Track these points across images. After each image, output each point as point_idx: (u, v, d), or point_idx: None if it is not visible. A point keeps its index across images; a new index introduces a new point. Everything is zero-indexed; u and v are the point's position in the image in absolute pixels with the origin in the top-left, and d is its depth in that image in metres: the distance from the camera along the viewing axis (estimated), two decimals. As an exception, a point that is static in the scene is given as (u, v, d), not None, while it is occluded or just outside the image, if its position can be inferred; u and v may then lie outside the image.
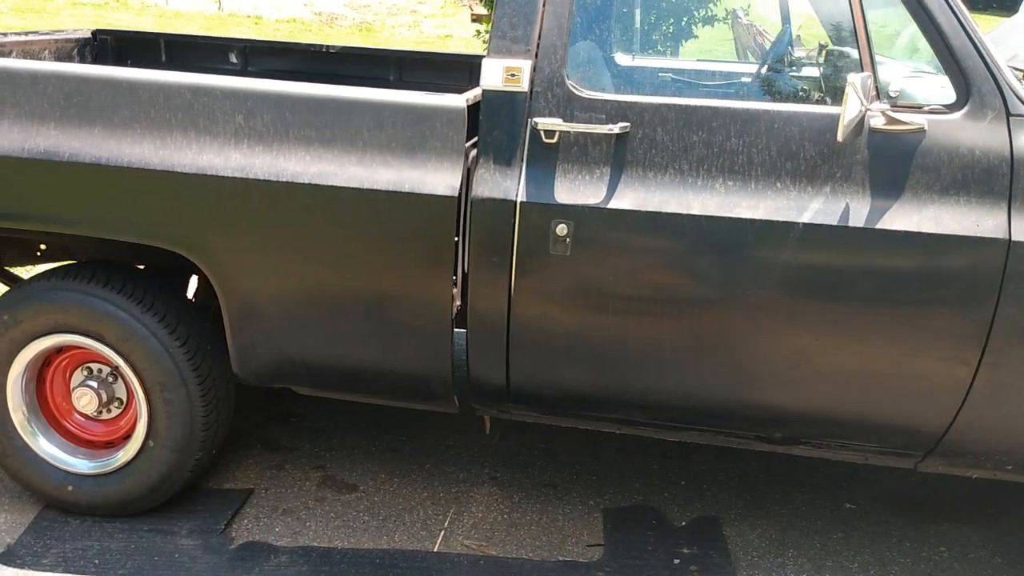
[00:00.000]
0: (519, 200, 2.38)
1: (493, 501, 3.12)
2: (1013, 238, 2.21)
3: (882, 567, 2.87)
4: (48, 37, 4.10)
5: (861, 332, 2.34)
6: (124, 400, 2.93)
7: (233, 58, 4.53)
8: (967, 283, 2.26)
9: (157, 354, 2.72)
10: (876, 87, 2.28)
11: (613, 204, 2.35)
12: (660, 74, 2.53)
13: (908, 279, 2.29)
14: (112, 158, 2.51)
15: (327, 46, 4.42)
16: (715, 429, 2.60)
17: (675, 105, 2.34)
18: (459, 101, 2.42)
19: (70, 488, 2.90)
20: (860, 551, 2.94)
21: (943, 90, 2.33)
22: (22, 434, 2.89)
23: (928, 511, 3.20)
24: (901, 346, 2.33)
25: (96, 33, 4.44)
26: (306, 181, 2.45)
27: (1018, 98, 2.25)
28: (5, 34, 3.83)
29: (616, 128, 2.33)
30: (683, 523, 3.06)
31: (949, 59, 2.26)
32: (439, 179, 2.41)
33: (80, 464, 2.92)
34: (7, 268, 3.39)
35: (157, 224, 2.56)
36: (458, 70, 4.31)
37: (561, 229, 2.37)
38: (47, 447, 2.92)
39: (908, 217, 2.26)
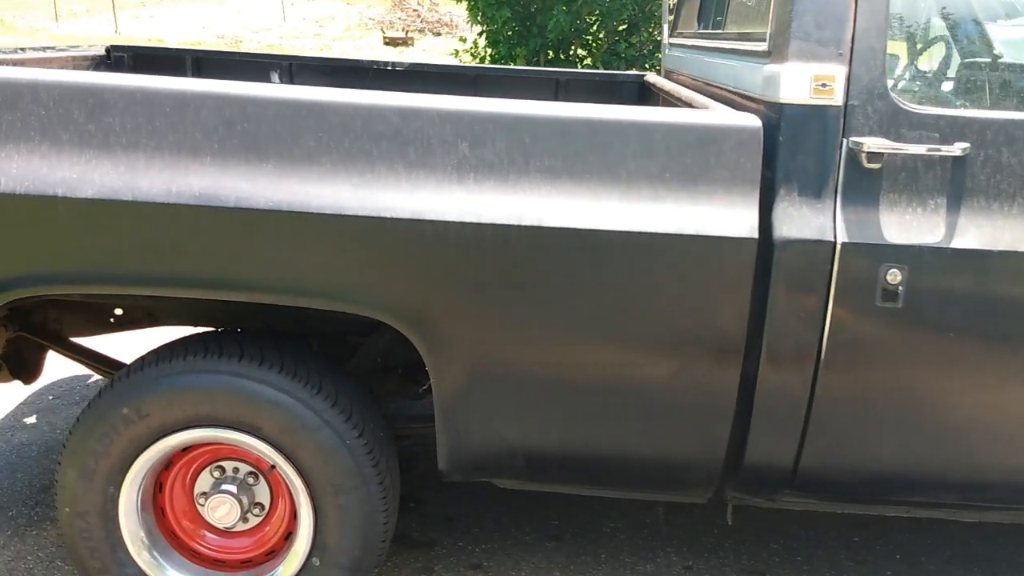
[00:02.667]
0: (838, 241, 1.90)
1: (703, 598, 2.62)
2: None
3: None
4: (66, 54, 3.45)
5: None
6: (266, 506, 2.31)
7: (276, 77, 3.94)
8: None
9: (331, 449, 2.12)
10: None
11: (956, 243, 1.90)
12: (1003, 82, 2.10)
13: None
14: (294, 202, 1.92)
15: (392, 63, 3.88)
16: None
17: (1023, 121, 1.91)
18: (752, 120, 1.93)
19: (204, 625, 2.26)
20: None
21: None
22: (138, 561, 2.24)
23: None
24: None
25: (110, 50, 3.81)
26: (553, 225, 1.92)
27: None
28: (23, 49, 3.18)
29: (957, 149, 1.88)
30: (931, 611, 2.61)
31: None
32: (730, 217, 1.92)
33: (217, 593, 2.28)
34: (71, 339, 2.72)
35: (354, 285, 1.97)
36: (541, 88, 3.84)
37: (892, 276, 1.90)
38: (172, 574, 2.27)
39: None
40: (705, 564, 2.78)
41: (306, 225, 1.93)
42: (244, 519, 2.28)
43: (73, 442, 2.15)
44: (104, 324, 2.75)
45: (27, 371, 2.60)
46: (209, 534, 2.34)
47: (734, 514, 2.50)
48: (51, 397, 3.84)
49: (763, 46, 2.07)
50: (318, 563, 2.21)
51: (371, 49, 19.94)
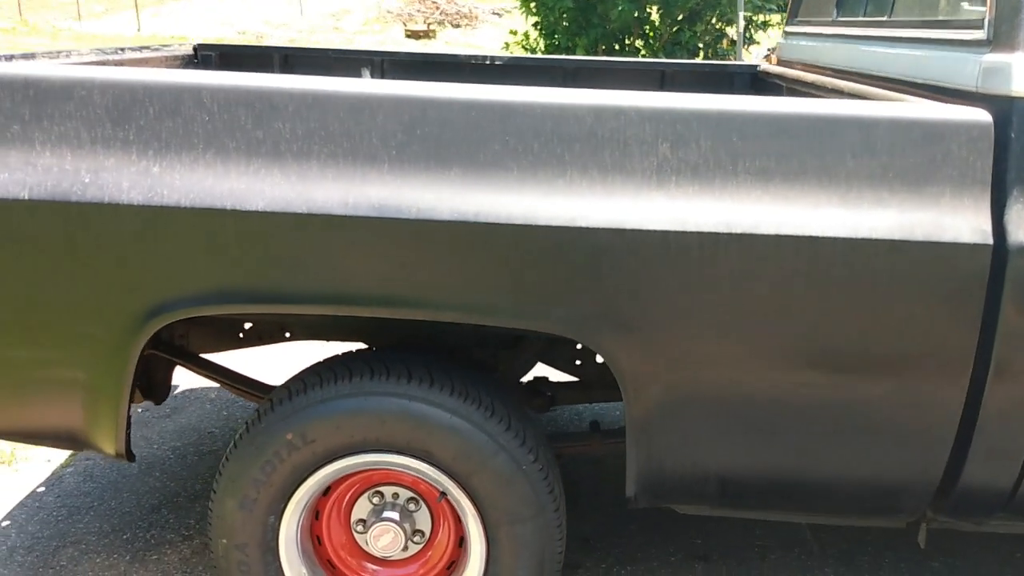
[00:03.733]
0: (1082, 246, 1.73)
1: (876, 623, 2.45)
2: None
3: None
4: (159, 54, 3.33)
5: None
6: (427, 533, 2.17)
7: (367, 74, 3.79)
8: None
9: (508, 475, 1.98)
10: None
11: None
12: None
13: None
14: (480, 212, 1.77)
15: (491, 57, 3.73)
16: None
17: None
18: (983, 115, 1.76)
19: (365, 664, 2.12)
20: None
21: None
22: (298, 596, 2.10)
23: None
24: None
25: (197, 49, 3.68)
26: (768, 232, 1.76)
27: None
28: (122, 49, 3.06)
29: None
30: (1123, 635, 2.44)
31: None
32: (960, 222, 1.75)
33: (380, 627, 2.14)
34: (201, 355, 2.59)
35: (545, 302, 1.82)
36: (645, 80, 3.68)
37: None
38: (332, 609, 2.13)
39: None
40: (867, 584, 2.63)
41: (494, 237, 1.78)
42: (404, 547, 2.13)
43: (231, 470, 2.01)
44: (232, 339, 2.62)
45: (157, 390, 2.47)
46: (368, 563, 2.19)
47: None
48: (140, 410, 3.72)
49: (979, 34, 1.90)
50: (490, 596, 2.06)
51: (394, 43, 19.79)
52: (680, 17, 7.47)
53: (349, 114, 1.79)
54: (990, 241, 1.74)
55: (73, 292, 1.84)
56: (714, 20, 7.45)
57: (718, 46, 7.58)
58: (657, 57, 7.33)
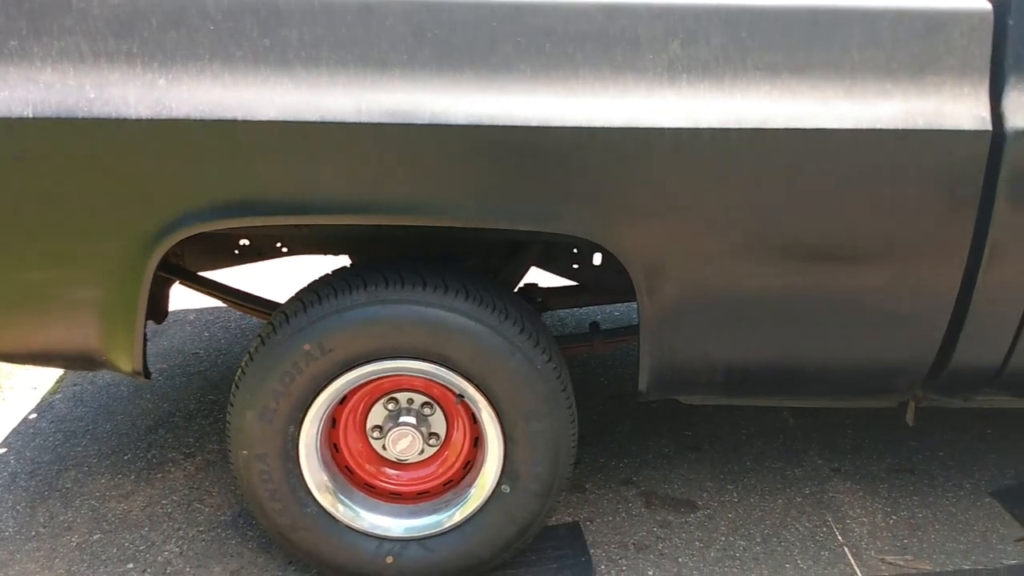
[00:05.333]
0: (1076, 129, 1.80)
1: (863, 500, 2.59)
2: None
3: None
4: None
5: None
6: (441, 436, 2.22)
7: None
8: None
9: (525, 375, 2.03)
10: None
11: None
12: None
13: None
14: (497, 115, 1.77)
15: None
16: None
17: None
18: (982, 3, 1.80)
19: (390, 560, 2.18)
20: None
21: None
22: (320, 500, 2.15)
23: None
24: None
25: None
26: (779, 126, 1.79)
27: None
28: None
29: None
30: (1089, 497, 2.62)
31: None
32: (961, 110, 1.81)
33: (403, 526, 2.20)
34: (200, 274, 2.58)
35: (562, 203, 1.84)
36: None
37: None
38: (354, 511, 2.18)
39: None
40: (851, 465, 2.77)
41: (509, 140, 1.79)
42: (420, 451, 2.19)
43: (249, 383, 2.03)
44: (227, 256, 2.61)
45: (157, 310, 2.45)
46: (385, 468, 2.25)
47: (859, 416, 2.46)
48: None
49: (975, -78, 1.93)
50: (508, 490, 2.13)
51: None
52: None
53: (357, 19, 1.77)
54: (989, 128, 1.80)
55: (85, 211, 1.82)
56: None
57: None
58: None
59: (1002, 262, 1.90)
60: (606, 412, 3.05)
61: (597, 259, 2.58)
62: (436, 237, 2.29)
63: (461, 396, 2.10)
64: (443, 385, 2.11)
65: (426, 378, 2.10)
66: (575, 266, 2.60)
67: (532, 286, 2.76)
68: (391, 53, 1.78)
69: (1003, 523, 2.50)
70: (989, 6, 1.80)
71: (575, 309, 3.68)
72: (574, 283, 2.66)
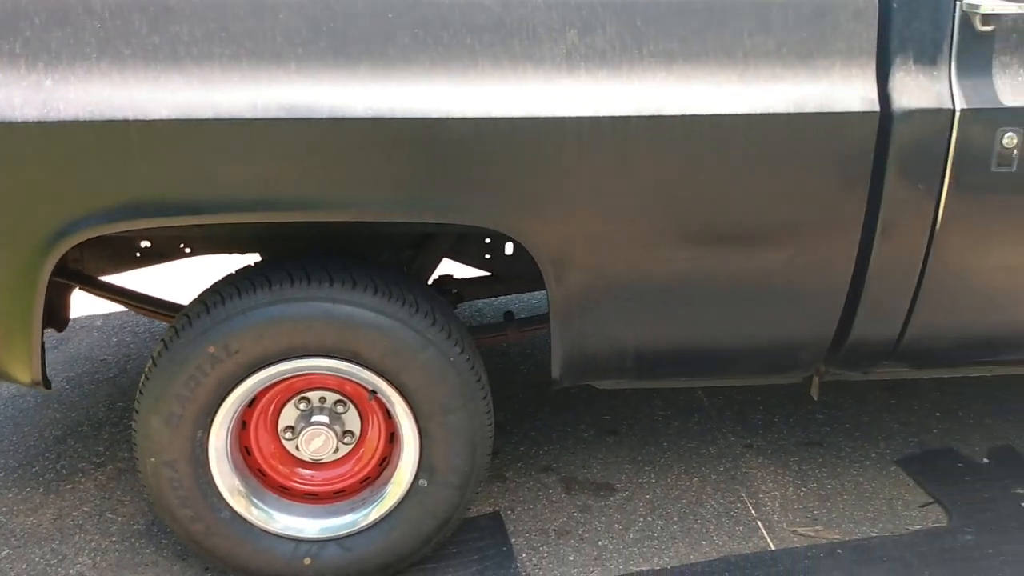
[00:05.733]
0: (957, 108, 1.87)
1: (775, 474, 2.66)
2: None
3: None
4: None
5: None
6: (356, 433, 2.21)
7: None
8: None
9: (438, 368, 2.02)
10: None
11: (1071, 101, 1.90)
12: None
13: None
14: (393, 108, 1.76)
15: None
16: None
17: None
18: (867, -13, 1.86)
19: (307, 561, 2.16)
20: None
21: None
22: (232, 504, 2.11)
23: None
24: None
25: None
26: (674, 112, 1.82)
27: None
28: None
29: (1072, 6, 1.87)
30: (986, 460, 2.73)
31: None
32: (850, 92, 1.86)
33: (319, 526, 2.18)
34: (99, 278, 2.50)
35: (465, 194, 1.84)
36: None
37: (1008, 139, 1.89)
38: (268, 514, 2.15)
39: None
40: (764, 440, 2.84)
41: (410, 132, 1.78)
42: (335, 449, 2.17)
43: (153, 388, 1.98)
44: (129, 259, 2.54)
45: (57, 318, 2.38)
46: (299, 468, 2.22)
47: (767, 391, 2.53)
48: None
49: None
50: (426, 484, 2.13)
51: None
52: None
53: (250, 13, 1.74)
54: (877, 109, 1.86)
55: (-29, 217, 1.75)
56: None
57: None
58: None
59: (894, 238, 1.97)
60: (526, 400, 3.07)
61: (509, 249, 2.58)
62: (346, 231, 2.27)
63: (374, 392, 2.08)
64: (356, 382, 2.09)
65: (338, 376, 2.08)
66: (487, 256, 2.60)
67: (447, 277, 2.76)
68: (286, 47, 1.75)
69: (908, 490, 2.59)
70: (874, -10, 1.85)
71: (497, 298, 3.70)
72: (487, 273, 2.67)
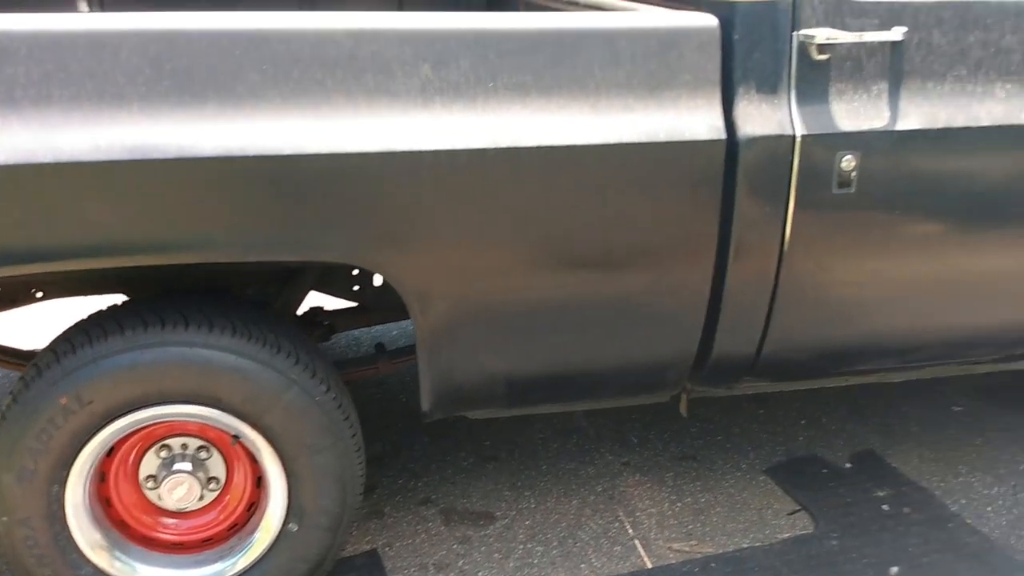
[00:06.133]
0: (798, 134, 1.95)
1: (651, 491, 2.71)
2: None
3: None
4: None
5: None
6: (221, 479, 2.14)
7: (84, 7, 3.49)
8: None
9: (302, 408, 1.98)
10: None
11: (901, 125, 2.00)
12: None
13: None
14: (244, 146, 1.72)
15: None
16: (964, 359, 2.39)
17: (950, 2, 2.02)
18: (710, 20, 1.92)
19: (175, 615, 2.08)
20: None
21: None
22: (94, 560, 2.02)
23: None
24: None
25: None
26: (530, 144, 1.84)
27: None
28: None
29: (898, 34, 1.97)
30: (848, 465, 2.84)
31: None
32: (697, 120, 1.92)
33: (187, 579, 2.10)
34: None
35: (324, 231, 1.81)
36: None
37: (847, 162, 1.98)
38: (132, 567, 2.06)
39: None
40: (639, 457, 2.89)
41: (262, 170, 1.74)
42: (200, 497, 2.10)
43: (3, 443, 1.88)
44: (26, 296, 2.41)
45: None
46: (164, 518, 2.14)
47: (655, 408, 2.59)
48: None
49: (700, -56, 2.05)
50: (296, 528, 2.08)
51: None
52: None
53: (90, 53, 1.67)
54: (723, 136, 1.92)
55: None
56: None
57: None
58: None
59: (747, 258, 2.04)
60: (404, 430, 3.04)
61: (378, 280, 2.56)
62: (207, 269, 2.21)
63: (237, 437, 2.02)
64: (218, 427, 2.03)
65: (199, 422, 2.02)
66: (356, 288, 2.58)
67: (317, 309, 2.72)
68: (128, 87, 1.69)
69: (777, 499, 2.68)
70: (716, 22, 1.92)
71: (376, 327, 3.65)
72: (356, 304, 2.64)
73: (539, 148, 1.85)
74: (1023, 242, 2.17)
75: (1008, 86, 2.06)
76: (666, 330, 2.09)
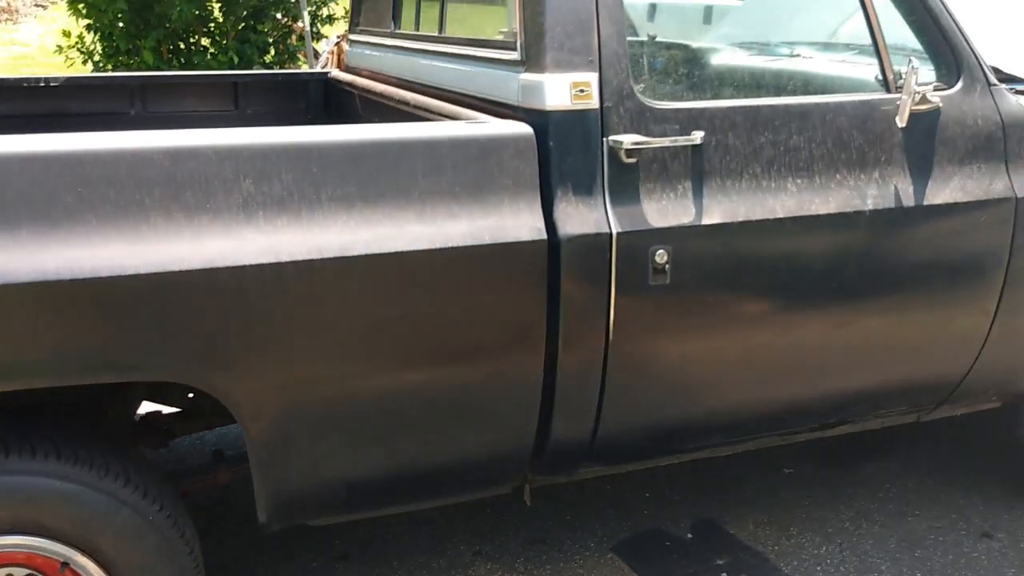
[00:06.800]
0: (614, 232, 2.07)
1: (502, 578, 2.74)
2: (1018, 195, 2.45)
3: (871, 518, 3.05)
4: None
5: (916, 304, 2.44)
6: (52, 609, 2.03)
7: None
8: (987, 243, 2.45)
9: (135, 530, 1.93)
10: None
11: (706, 220, 2.15)
12: (722, 75, 2.37)
13: (946, 247, 2.42)
14: (59, 270, 1.69)
15: (46, 79, 3.47)
16: (785, 431, 2.55)
17: (741, 107, 2.20)
18: (525, 128, 2.03)
19: None
20: (835, 505, 3.09)
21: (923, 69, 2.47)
22: None
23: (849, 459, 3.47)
24: (942, 309, 2.48)
25: None
26: (358, 252, 1.89)
27: (989, 69, 2.48)
28: None
29: (697, 138, 2.13)
30: (690, 535, 2.95)
31: (940, 39, 2.42)
32: (520, 223, 2.01)
33: None
34: None
35: (148, 351, 1.79)
36: (215, 94, 3.66)
37: (660, 256, 2.11)
38: None
39: (943, 190, 2.38)
40: (491, 545, 2.91)
41: (80, 293, 1.71)
42: (28, 631, 1.99)
43: None
44: None
45: None
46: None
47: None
48: None
49: (514, 55, 2.17)
50: (133, 656, 2.00)
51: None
52: (245, 14, 7.39)
53: None
54: (544, 237, 2.02)
55: None
56: (280, 16, 7.47)
57: (288, 42, 7.62)
58: (227, 55, 7.18)
59: (576, 349, 2.12)
60: (251, 534, 2.96)
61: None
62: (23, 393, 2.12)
63: (66, 564, 1.94)
64: (45, 555, 1.93)
65: (26, 551, 1.92)
66: (190, 395, 2.52)
67: (155, 414, 2.64)
68: (-70, 214, 1.64)
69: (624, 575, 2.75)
70: (531, 131, 2.03)
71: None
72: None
73: (365, 257, 1.89)
74: (824, 320, 2.35)
75: (799, 181, 2.25)
76: (503, 424, 2.14)
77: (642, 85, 2.16)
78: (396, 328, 1.95)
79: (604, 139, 2.08)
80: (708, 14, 2.73)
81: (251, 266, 1.81)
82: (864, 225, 2.30)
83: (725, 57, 2.60)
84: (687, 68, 2.42)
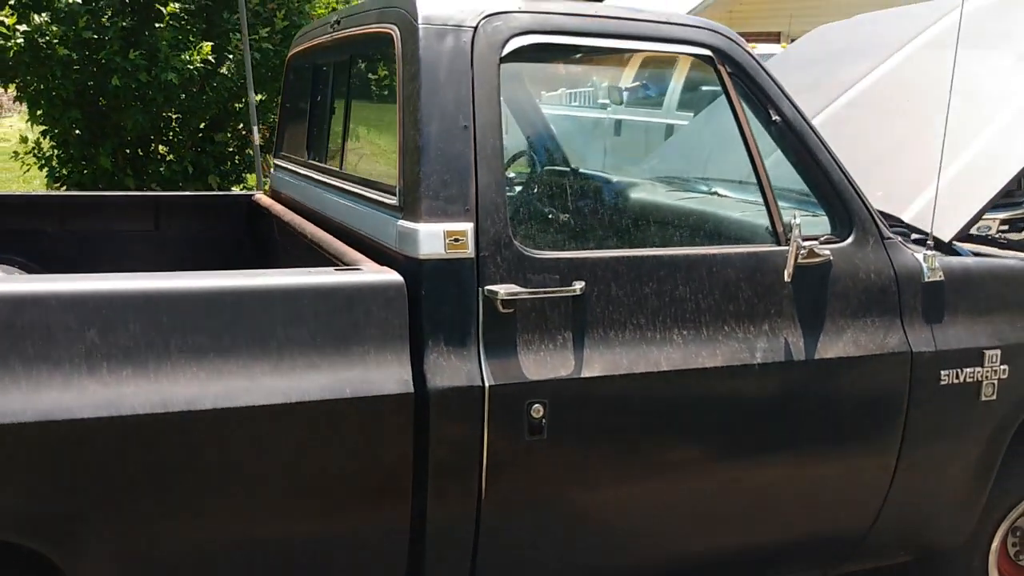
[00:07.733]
0: (487, 384, 2.00)
1: None
2: (914, 350, 2.42)
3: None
4: None
5: (813, 459, 2.37)
6: None
7: None
8: (883, 397, 2.41)
9: None
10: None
11: (586, 373, 2.09)
12: (607, 225, 2.35)
13: (840, 402, 2.37)
14: None
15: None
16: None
17: (625, 257, 2.17)
18: (395, 276, 1.98)
19: None
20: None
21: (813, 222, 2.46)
22: None
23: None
24: (840, 464, 2.41)
25: None
26: (207, 407, 1.80)
27: (883, 223, 2.48)
28: None
29: (577, 288, 2.09)
30: None
31: (832, 193, 2.41)
32: (386, 375, 1.94)
33: None
34: None
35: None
36: (136, 214, 3.62)
37: (536, 411, 2.04)
38: None
39: (836, 344, 2.34)
40: None
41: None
42: None
43: None
44: None
45: None
46: None
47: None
48: None
49: (393, 200, 2.14)
50: None
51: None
52: (202, 125, 7.44)
53: None
54: (411, 390, 1.95)
55: None
56: (239, 126, 7.53)
57: (246, 152, 7.66)
58: (184, 163, 7.19)
59: (446, 504, 2.03)
60: None
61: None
62: None
63: None
64: None
65: None
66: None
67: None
68: None
69: None
70: (401, 279, 1.98)
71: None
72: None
73: (216, 411, 1.81)
74: (713, 476, 2.28)
75: (685, 332, 2.20)
76: (369, 579, 2.03)
77: (521, 235, 2.13)
78: (251, 483, 1.86)
79: (480, 289, 2.03)
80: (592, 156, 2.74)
81: (90, 420, 1.72)
82: (753, 378, 2.25)
83: (612, 204, 2.59)
84: (568, 217, 2.40)
